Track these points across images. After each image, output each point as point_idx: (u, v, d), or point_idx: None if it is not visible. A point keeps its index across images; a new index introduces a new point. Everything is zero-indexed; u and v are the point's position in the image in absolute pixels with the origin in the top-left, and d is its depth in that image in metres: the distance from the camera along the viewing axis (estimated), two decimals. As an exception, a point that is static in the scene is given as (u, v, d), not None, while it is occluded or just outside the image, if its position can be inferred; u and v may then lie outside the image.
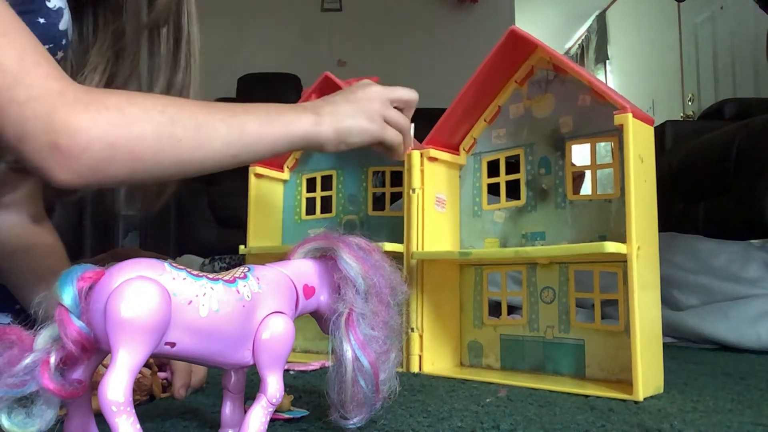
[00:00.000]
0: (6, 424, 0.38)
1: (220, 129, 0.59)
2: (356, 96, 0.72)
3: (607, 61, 5.38)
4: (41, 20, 0.60)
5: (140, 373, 0.65)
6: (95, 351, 0.41)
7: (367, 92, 0.73)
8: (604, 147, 0.84)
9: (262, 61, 3.67)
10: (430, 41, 3.98)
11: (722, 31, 3.69)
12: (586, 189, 0.88)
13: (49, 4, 0.61)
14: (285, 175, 1.12)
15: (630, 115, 0.71)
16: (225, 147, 0.60)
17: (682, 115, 3.93)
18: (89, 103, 0.51)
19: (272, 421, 0.54)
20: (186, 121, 0.57)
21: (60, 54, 0.65)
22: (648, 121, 0.76)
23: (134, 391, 0.64)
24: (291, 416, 0.59)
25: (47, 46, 0.61)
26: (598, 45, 5.42)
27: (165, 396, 0.69)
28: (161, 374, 0.72)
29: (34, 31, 0.55)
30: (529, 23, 4.84)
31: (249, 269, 0.49)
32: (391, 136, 0.75)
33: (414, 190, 0.90)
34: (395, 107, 0.76)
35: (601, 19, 5.42)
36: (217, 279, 0.46)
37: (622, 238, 0.72)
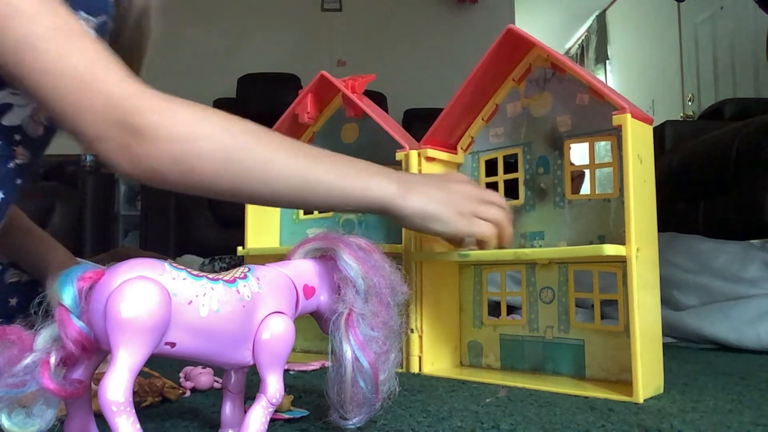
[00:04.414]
0: (6, 424, 0.38)
1: (290, 171, 0.58)
2: (449, 188, 0.70)
3: (607, 61, 5.39)
4: None
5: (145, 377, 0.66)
6: (95, 351, 0.41)
7: (461, 187, 0.70)
8: (604, 146, 0.84)
9: (262, 61, 3.67)
10: (430, 41, 3.98)
11: (722, 31, 3.69)
12: (586, 189, 0.88)
13: None
14: (284, 174, 1.12)
15: (628, 115, 0.71)
16: (288, 191, 0.59)
17: (682, 115, 3.93)
18: (162, 112, 0.52)
19: (272, 421, 0.55)
20: (257, 152, 0.57)
21: (111, 25, 0.63)
22: (647, 120, 0.75)
23: (146, 392, 0.64)
24: (291, 416, 0.59)
25: (102, 18, 0.60)
26: (598, 45, 5.43)
27: (181, 394, 0.68)
28: (187, 384, 0.72)
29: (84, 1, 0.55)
30: (529, 23, 4.84)
31: (249, 269, 0.50)
32: (482, 229, 0.71)
33: (413, 191, 0.90)
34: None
35: (601, 19, 5.42)
36: (217, 279, 0.46)
37: (621, 237, 0.72)
